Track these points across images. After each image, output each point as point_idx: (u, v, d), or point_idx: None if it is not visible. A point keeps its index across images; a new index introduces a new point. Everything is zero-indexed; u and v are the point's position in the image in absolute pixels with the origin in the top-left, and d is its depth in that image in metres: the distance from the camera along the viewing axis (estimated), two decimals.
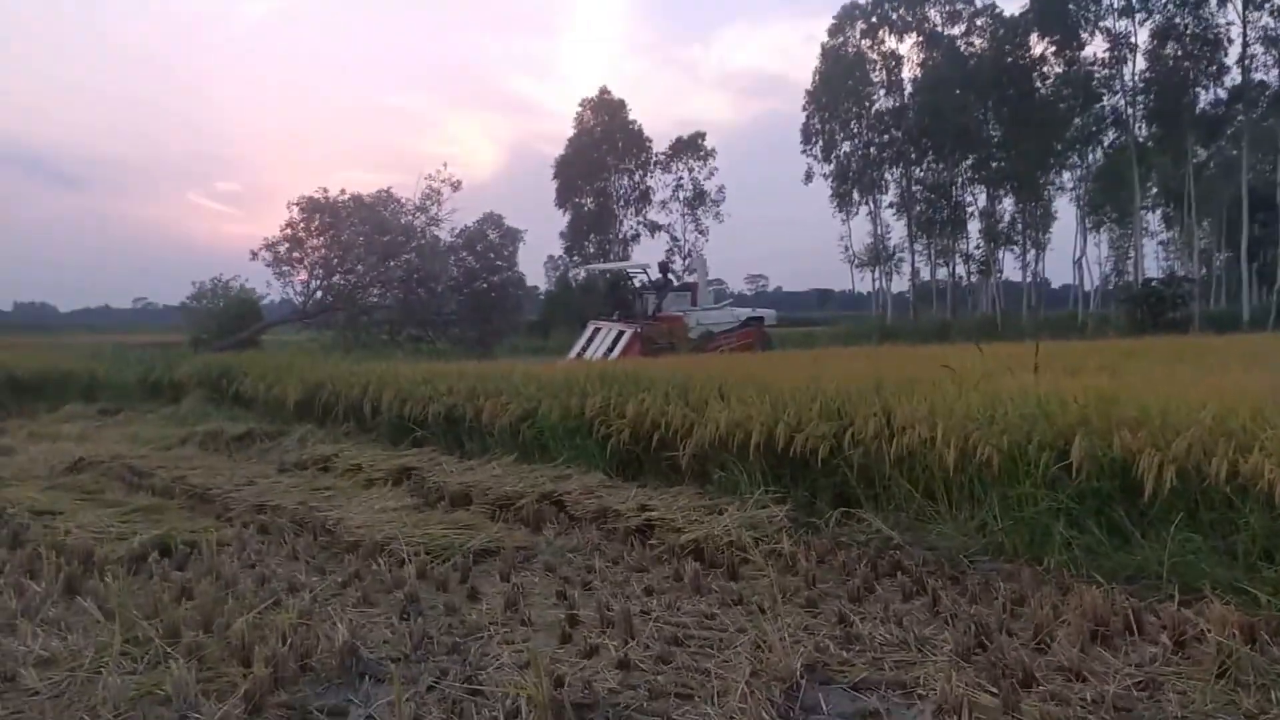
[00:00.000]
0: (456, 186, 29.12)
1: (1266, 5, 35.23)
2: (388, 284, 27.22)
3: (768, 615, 4.28)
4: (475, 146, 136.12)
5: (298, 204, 27.54)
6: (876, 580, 4.74)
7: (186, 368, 15.88)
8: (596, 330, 21.91)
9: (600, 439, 7.32)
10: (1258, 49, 36.30)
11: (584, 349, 21.52)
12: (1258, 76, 37.15)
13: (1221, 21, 37.55)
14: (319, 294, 27.54)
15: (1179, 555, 4.36)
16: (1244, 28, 36.28)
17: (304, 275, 27.71)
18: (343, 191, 27.88)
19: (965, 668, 3.57)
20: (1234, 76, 37.93)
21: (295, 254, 27.50)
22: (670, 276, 24.98)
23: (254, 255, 27.43)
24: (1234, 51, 37.52)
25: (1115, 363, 9.33)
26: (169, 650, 3.76)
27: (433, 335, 27.80)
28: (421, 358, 18.97)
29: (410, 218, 28.45)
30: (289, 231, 27.39)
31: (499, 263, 30.25)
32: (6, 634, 4.11)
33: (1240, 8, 36.08)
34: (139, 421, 13.09)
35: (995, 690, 3.30)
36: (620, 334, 20.85)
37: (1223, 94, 39.27)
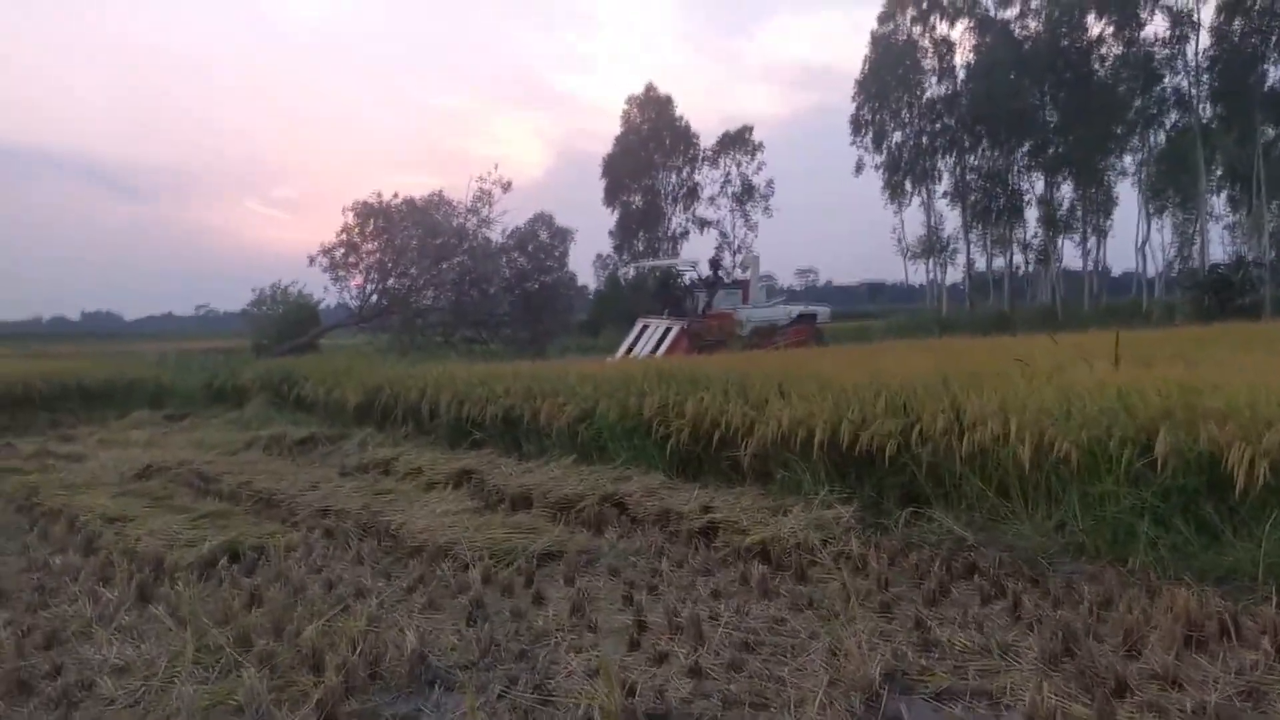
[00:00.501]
0: (507, 188, 29.32)
1: None
2: (441, 286, 27.48)
3: (840, 619, 4.16)
4: (524, 146, 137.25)
5: (352, 209, 27.97)
6: (952, 583, 4.59)
7: (249, 373, 16.19)
8: (645, 327, 21.80)
9: (659, 439, 7.25)
10: None
11: (632, 346, 21.39)
12: None
13: None
14: (374, 297, 27.92)
15: (1275, 555, 4.14)
16: None
17: (359, 279, 28.13)
18: (395, 195, 28.25)
19: (1053, 675, 3.42)
20: None
21: (351, 258, 27.91)
22: (721, 274, 24.77)
23: (311, 260, 27.94)
24: None
25: (1188, 352, 8.98)
26: (240, 658, 3.78)
27: (486, 336, 28.01)
28: (475, 359, 19.12)
29: (462, 220, 28.69)
30: (344, 236, 27.82)
31: (550, 263, 30.37)
32: (83, 641, 4.18)
33: None
34: (204, 427, 13.36)
35: (1088, 700, 3.15)
36: (667, 330, 20.72)
37: None
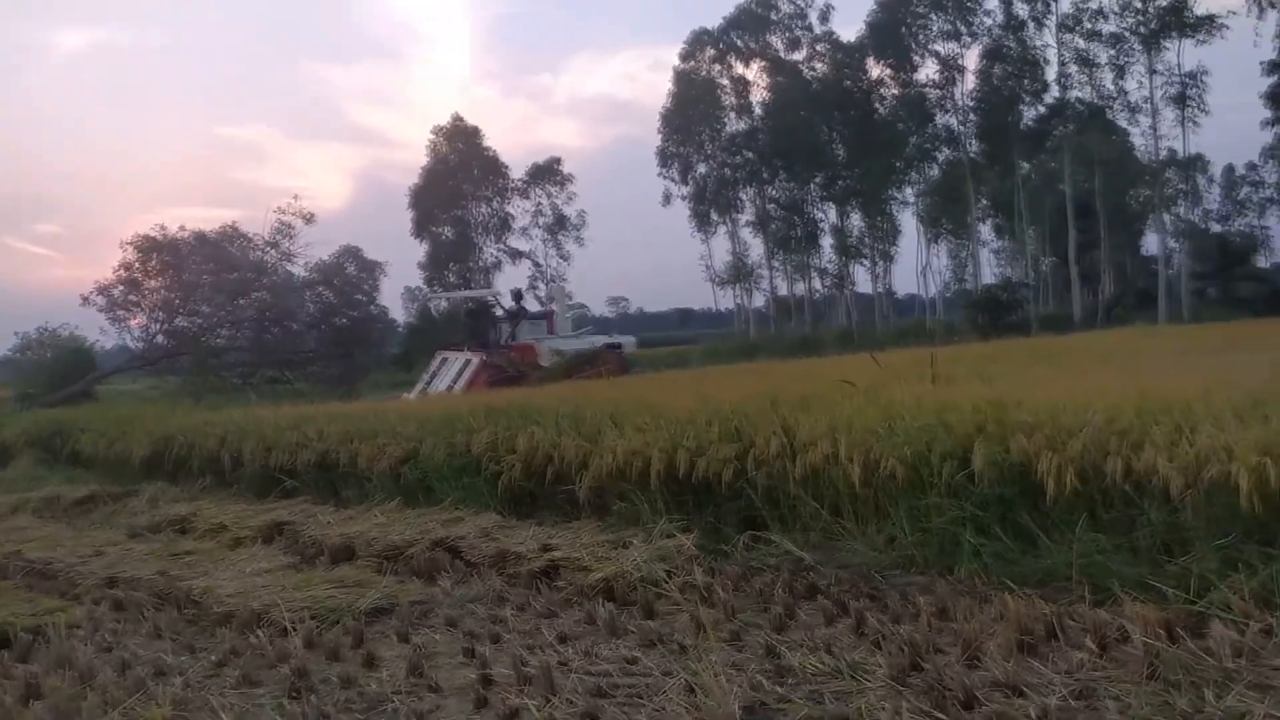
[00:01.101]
0: (310, 219, 27.99)
1: (1078, 29, 38.39)
2: (238, 324, 25.73)
3: (692, 654, 4.07)
4: (324, 179, 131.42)
5: (133, 243, 25.76)
6: (796, 605, 4.61)
7: (13, 426, 14.42)
8: (443, 360, 21.07)
9: (490, 476, 6.97)
10: (1073, 68, 39.46)
11: (429, 382, 20.50)
12: (1074, 94, 40.36)
13: (1040, 44, 40.67)
14: (160, 338, 25.75)
15: (1086, 556, 4.42)
16: (1059, 49, 39.41)
17: (142, 319, 25.89)
18: (183, 228, 26.33)
19: (904, 693, 3.46)
20: (1054, 94, 41.08)
21: (132, 297, 25.67)
22: (523, 305, 24.48)
23: (85, 300, 25.47)
24: (1051, 71, 40.66)
25: (981, 368, 9.64)
26: None
27: (291, 375, 26.45)
28: (281, 399, 17.94)
29: (260, 253, 27.09)
30: (124, 273, 25.57)
31: (359, 296, 29.16)
32: None
33: (1055, 31, 39.19)
34: None
35: (941, 716, 3.20)
36: (466, 363, 20.12)
37: (1042, 110, 42.39)
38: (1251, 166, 68.91)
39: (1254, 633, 3.57)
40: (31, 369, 25.76)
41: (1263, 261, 47.07)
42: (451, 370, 20.11)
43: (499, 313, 24.87)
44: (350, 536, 6.46)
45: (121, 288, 25.50)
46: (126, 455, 10.98)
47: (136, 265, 25.64)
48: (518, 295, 25.18)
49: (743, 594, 4.86)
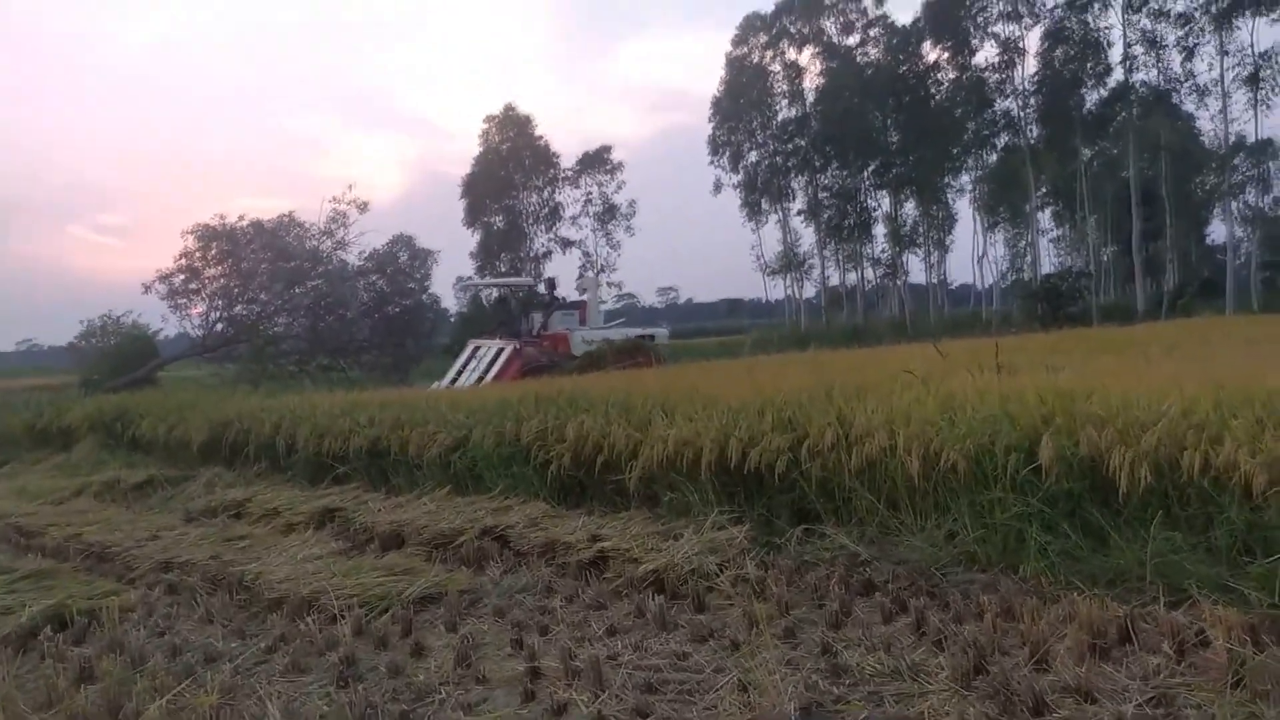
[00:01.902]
0: (363, 208, 28.18)
1: (1145, 8, 37.08)
2: (294, 312, 26.10)
3: (745, 650, 3.96)
4: (380, 169, 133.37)
5: (192, 232, 26.21)
6: (852, 601, 4.47)
7: (77, 412, 14.76)
8: (476, 349, 20.93)
9: (539, 465, 6.91)
10: (1138, 50, 38.15)
11: (460, 371, 20.23)
12: (1138, 77, 39.05)
13: (1104, 25, 39.38)
14: (219, 326, 26.24)
15: (1160, 555, 4.20)
16: (1124, 30, 38.12)
17: (202, 307, 26.36)
18: (241, 218, 26.65)
19: (968, 696, 3.31)
20: (1117, 76, 39.79)
21: (192, 285, 26.14)
22: (556, 294, 24.28)
23: (147, 288, 25.98)
24: (1115, 53, 39.38)
25: (1045, 358, 9.33)
26: None
27: (345, 363, 26.76)
28: (334, 387, 18.15)
29: (315, 242, 27.38)
30: (184, 261, 26.03)
31: (411, 285, 29.38)
32: None
33: (1120, 11, 37.88)
34: (26, 474, 12.08)
35: None
36: (499, 351, 19.97)
37: (1105, 94, 41.09)
38: None
39: None
40: (95, 356, 26.42)
41: None
42: (484, 360, 19.99)
43: (538, 298, 24.65)
44: (400, 524, 6.45)
45: (182, 276, 25.98)
46: (185, 440, 11.16)
47: (196, 254, 26.09)
48: (551, 284, 25.04)
49: (796, 589, 4.72)
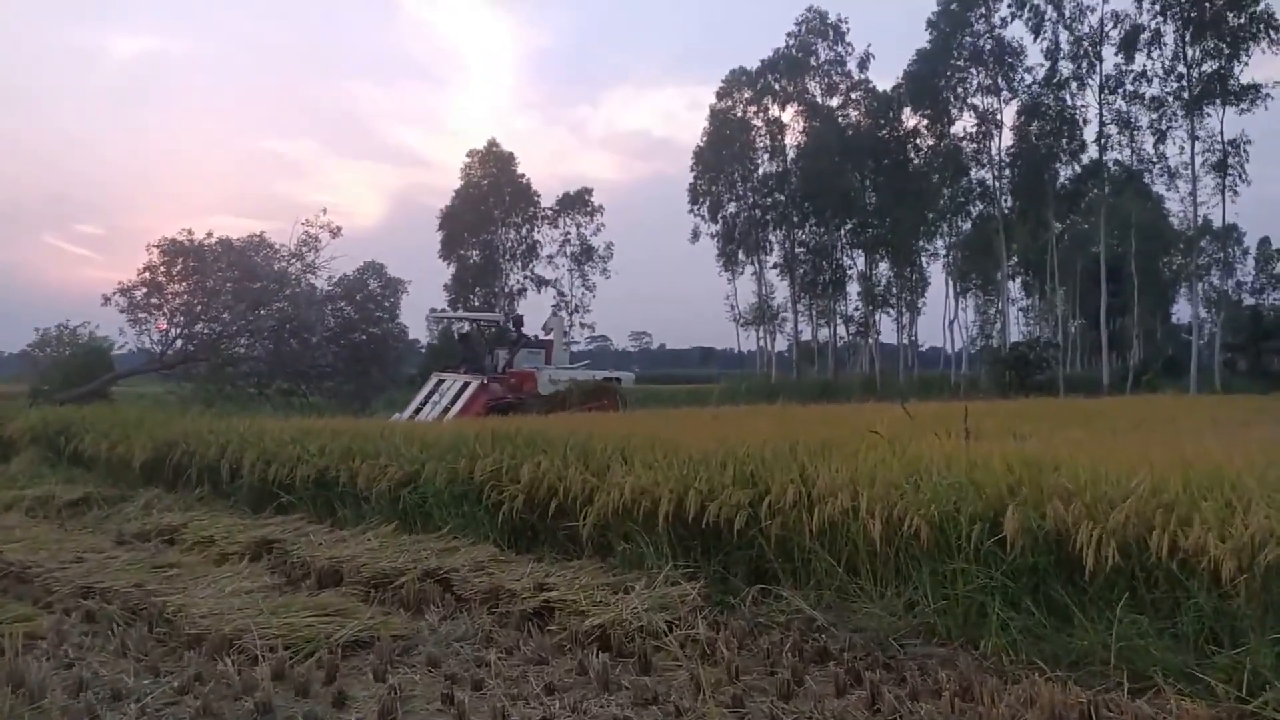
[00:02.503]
0: (336, 233, 27.80)
1: (1120, 90, 38.07)
2: (257, 333, 25.55)
3: (688, 718, 3.72)
4: (358, 196, 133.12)
5: (158, 246, 25.71)
6: (805, 669, 4.25)
7: (20, 422, 14.22)
8: (440, 382, 20.52)
9: (491, 506, 6.66)
10: (1112, 129, 39.05)
11: (423, 404, 19.75)
12: (1111, 155, 39.93)
13: (1080, 104, 40.35)
14: (179, 343, 25.65)
15: (1125, 639, 4.04)
16: (1100, 110, 39.03)
17: (163, 323, 25.76)
18: (210, 235, 26.20)
19: None
20: (1091, 154, 40.67)
21: (154, 299, 25.56)
22: (523, 331, 23.96)
23: (106, 300, 25.36)
24: (1090, 131, 40.28)
25: (1012, 425, 9.25)
26: None
27: (305, 388, 26.22)
28: (293, 412, 17.71)
29: (284, 264, 26.92)
30: (147, 275, 25.49)
31: (379, 314, 28.94)
32: None
33: (1097, 91, 38.86)
34: None
35: None
36: (465, 386, 19.56)
37: (1078, 170, 41.97)
38: None
39: None
40: (48, 366, 25.69)
41: None
42: (449, 394, 19.58)
43: (505, 335, 24.24)
44: (339, 560, 6.16)
45: (144, 290, 25.41)
46: (127, 458, 10.74)
47: (160, 268, 25.57)
48: (518, 321, 24.71)
49: (748, 653, 4.51)
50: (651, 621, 4.72)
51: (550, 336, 23.99)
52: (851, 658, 4.39)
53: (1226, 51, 35.59)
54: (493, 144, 58.91)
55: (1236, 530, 4.01)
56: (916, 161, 47.62)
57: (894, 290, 51.96)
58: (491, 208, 57.07)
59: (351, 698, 4.01)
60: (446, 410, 18.48)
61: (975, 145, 44.58)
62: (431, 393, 19.87)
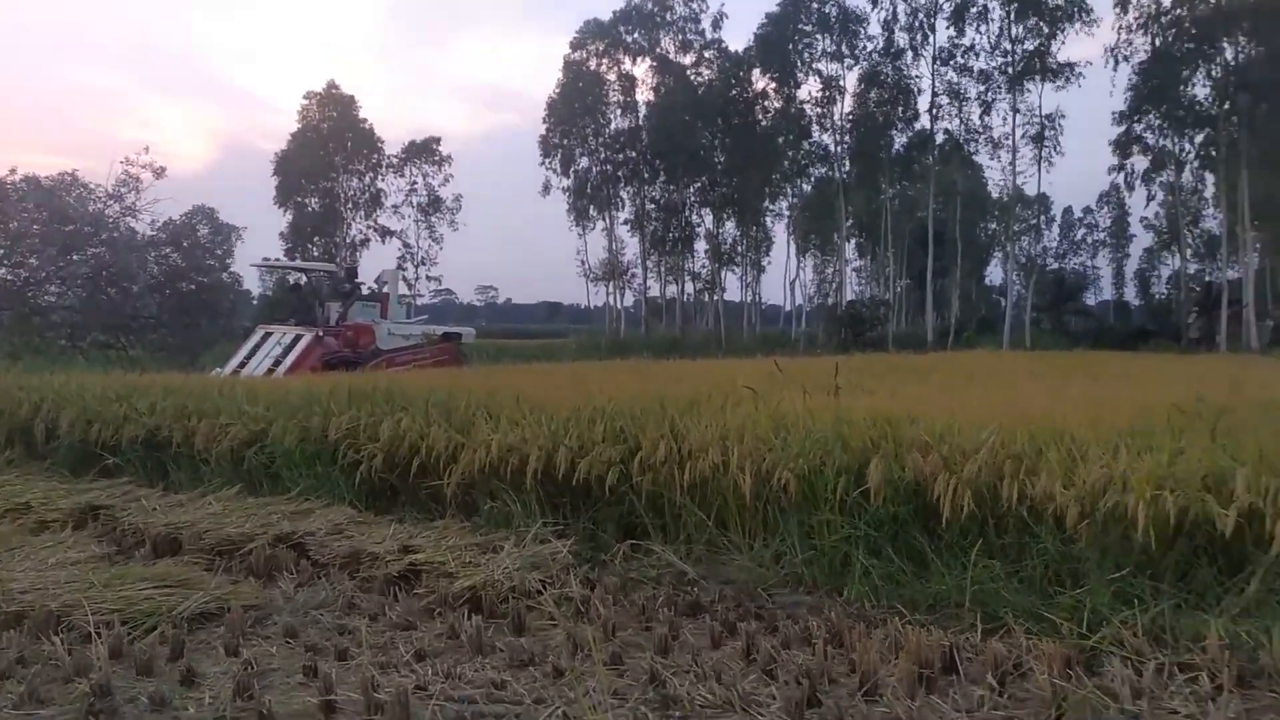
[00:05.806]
0: (160, 174, 25.76)
1: (951, 62, 40.20)
2: (70, 280, 23.47)
3: (568, 678, 3.66)
4: (184, 136, 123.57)
5: None
6: (680, 624, 4.27)
7: None
8: (266, 335, 19.24)
9: (348, 466, 6.34)
10: (944, 99, 41.24)
11: (247, 358, 18.37)
12: (941, 125, 42.20)
13: (915, 73, 42.33)
14: None
15: (979, 583, 4.28)
16: (932, 80, 41.10)
17: None
18: (13, 171, 23.72)
19: None
20: (924, 123, 42.82)
21: None
22: (358, 283, 22.91)
23: None
24: (924, 101, 42.37)
25: (860, 381, 9.63)
26: None
27: (126, 341, 24.33)
28: (112, 366, 16.36)
29: (101, 206, 24.76)
30: None
31: (209, 262, 27.17)
32: None
33: (930, 62, 40.87)
34: None
35: None
36: (296, 339, 18.44)
37: (911, 137, 44.12)
38: (1088, 210, 74.62)
39: (1150, 673, 3.47)
40: None
41: (1091, 299, 50.59)
42: (278, 345, 18.40)
43: (338, 286, 23.01)
44: (178, 526, 5.71)
45: None
46: None
47: None
48: (353, 273, 23.56)
49: (622, 609, 4.49)
50: (524, 581, 4.62)
51: (385, 289, 22.99)
52: (724, 609, 4.44)
53: (1046, 31, 38.13)
54: (332, 85, 55.95)
55: (1079, 479, 4.30)
56: (764, 123, 48.69)
57: (740, 249, 53.27)
58: (332, 154, 54.32)
59: (202, 674, 3.71)
60: (275, 365, 17.46)
61: (819, 110, 45.99)
62: (257, 346, 18.70)
